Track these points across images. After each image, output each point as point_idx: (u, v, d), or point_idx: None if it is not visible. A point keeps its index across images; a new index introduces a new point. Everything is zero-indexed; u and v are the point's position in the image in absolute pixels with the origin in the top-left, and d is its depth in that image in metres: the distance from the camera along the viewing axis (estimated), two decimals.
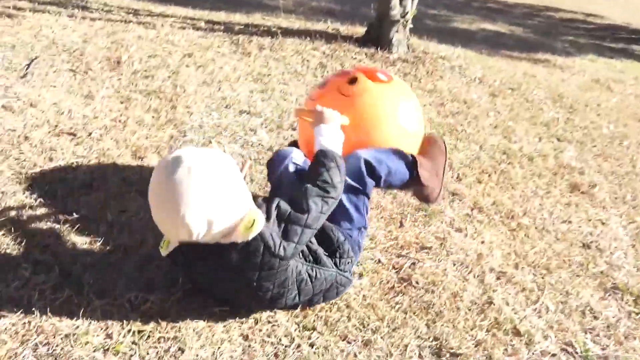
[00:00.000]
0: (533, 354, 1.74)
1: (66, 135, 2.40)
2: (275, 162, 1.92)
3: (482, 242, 2.32)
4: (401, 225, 2.32)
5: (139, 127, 2.61)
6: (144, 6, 4.82)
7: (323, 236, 1.68)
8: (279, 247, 1.46)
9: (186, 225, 1.37)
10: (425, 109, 3.62)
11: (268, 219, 1.48)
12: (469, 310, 1.90)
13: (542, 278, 2.13)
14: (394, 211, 2.41)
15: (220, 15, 4.93)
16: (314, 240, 1.64)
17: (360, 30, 5.01)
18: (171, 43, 3.75)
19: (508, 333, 1.82)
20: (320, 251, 1.66)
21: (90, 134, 2.45)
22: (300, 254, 1.59)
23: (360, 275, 1.96)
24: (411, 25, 4.53)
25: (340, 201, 1.69)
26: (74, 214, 1.93)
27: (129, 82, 3.02)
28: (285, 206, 1.52)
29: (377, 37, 4.45)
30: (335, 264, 1.70)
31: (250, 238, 1.42)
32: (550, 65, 5.65)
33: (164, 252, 1.53)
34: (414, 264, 2.09)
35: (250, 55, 3.87)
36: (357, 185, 1.78)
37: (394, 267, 2.05)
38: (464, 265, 2.14)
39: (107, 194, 2.09)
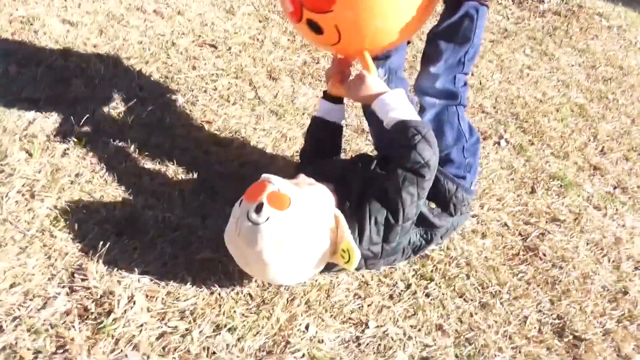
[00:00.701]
0: None
1: (208, 46, 2.45)
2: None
3: (623, 226, 2.10)
4: (532, 191, 2.15)
5: (275, 48, 2.60)
6: None
7: (433, 190, 1.46)
8: (381, 249, 1.42)
9: (276, 283, 1.41)
10: (574, 69, 3.26)
11: (362, 233, 1.37)
12: (600, 295, 1.74)
13: None
14: (526, 175, 2.23)
15: None
16: (423, 208, 1.50)
17: None
18: None
19: None
20: (432, 215, 1.54)
21: (229, 48, 2.49)
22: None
23: (484, 236, 1.85)
24: None
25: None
26: (212, 123, 2.00)
27: (268, 2, 2.99)
28: (377, 212, 1.37)
29: None
30: (451, 214, 1.60)
31: (352, 270, 1.36)
32: None
33: None
34: (542, 234, 1.94)
35: None
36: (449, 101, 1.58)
37: (520, 234, 1.92)
38: (599, 247, 1.95)
39: (243, 109, 2.13)
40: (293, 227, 1.27)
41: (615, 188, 2.32)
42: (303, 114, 2.18)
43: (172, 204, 1.62)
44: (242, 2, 2.90)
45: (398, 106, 1.41)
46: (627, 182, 2.36)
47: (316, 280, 1.51)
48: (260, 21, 2.79)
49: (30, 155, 1.64)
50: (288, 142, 2.01)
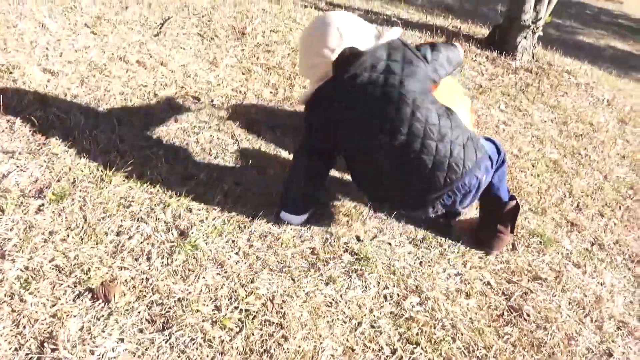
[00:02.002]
0: None
1: (191, 98, 2.45)
2: None
3: (602, 284, 2.11)
4: (514, 248, 2.16)
5: (258, 100, 2.62)
6: None
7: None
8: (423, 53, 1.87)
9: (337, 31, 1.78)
10: (547, 125, 3.37)
11: None
12: (585, 358, 1.73)
13: None
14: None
15: None
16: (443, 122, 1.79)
17: (480, 30, 4.77)
18: (293, 20, 3.74)
19: None
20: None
21: (212, 100, 2.49)
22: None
23: (468, 295, 1.84)
24: (541, 33, 4.22)
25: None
26: (193, 178, 1.96)
27: (251, 54, 3.03)
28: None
29: (501, 41, 4.19)
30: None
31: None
32: None
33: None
34: (525, 293, 1.93)
35: None
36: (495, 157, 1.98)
37: (503, 293, 1.91)
38: (581, 306, 1.96)
39: (224, 163, 2.11)
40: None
41: (592, 245, 2.35)
42: (285, 168, 2.17)
43: (150, 264, 1.57)
44: (226, 54, 2.93)
45: None
46: (603, 238, 2.40)
47: (299, 347, 1.46)
48: (243, 73, 2.82)
49: (2, 211, 1.57)
50: (270, 197, 1.99)
